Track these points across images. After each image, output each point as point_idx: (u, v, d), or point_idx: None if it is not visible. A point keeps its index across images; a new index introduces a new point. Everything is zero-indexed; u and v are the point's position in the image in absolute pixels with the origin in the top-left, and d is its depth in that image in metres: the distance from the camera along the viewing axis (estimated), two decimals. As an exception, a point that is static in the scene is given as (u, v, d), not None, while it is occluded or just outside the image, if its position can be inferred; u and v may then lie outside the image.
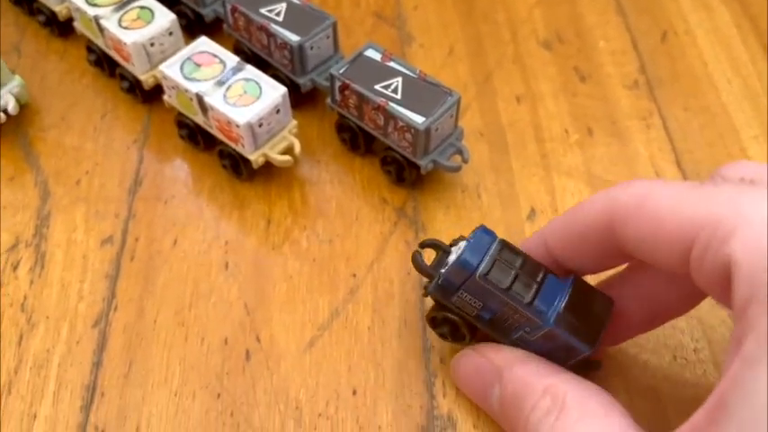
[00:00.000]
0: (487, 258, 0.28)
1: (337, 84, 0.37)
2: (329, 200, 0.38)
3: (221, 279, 0.35)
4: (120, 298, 0.35)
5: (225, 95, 0.36)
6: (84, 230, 0.37)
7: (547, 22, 0.48)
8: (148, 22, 0.40)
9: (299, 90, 0.40)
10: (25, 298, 0.35)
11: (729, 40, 0.46)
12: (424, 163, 0.36)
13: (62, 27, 0.45)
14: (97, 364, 0.33)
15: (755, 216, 0.21)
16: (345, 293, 0.35)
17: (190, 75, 0.37)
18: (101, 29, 0.40)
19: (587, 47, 0.46)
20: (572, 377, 0.28)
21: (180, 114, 0.39)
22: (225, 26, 0.43)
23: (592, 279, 0.30)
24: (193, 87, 0.37)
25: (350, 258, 0.36)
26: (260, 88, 0.37)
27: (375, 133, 0.38)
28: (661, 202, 0.24)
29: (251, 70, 0.37)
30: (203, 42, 0.39)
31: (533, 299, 0.28)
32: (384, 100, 0.36)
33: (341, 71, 0.37)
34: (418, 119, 0.35)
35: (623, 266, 0.30)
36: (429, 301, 0.32)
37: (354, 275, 0.36)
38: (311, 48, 0.39)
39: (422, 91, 0.36)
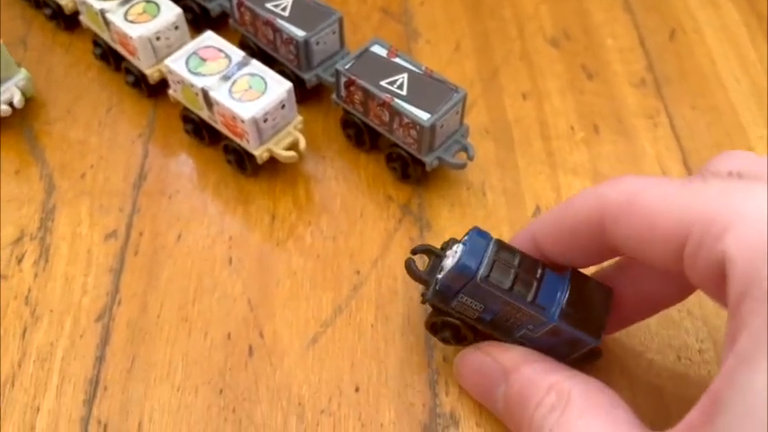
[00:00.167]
0: (486, 260, 0.28)
1: (343, 79, 0.37)
2: (334, 196, 0.38)
3: (225, 274, 0.35)
4: (123, 292, 0.35)
5: (230, 90, 0.36)
6: (88, 224, 0.37)
7: (554, 19, 0.47)
8: (154, 16, 0.39)
9: (305, 85, 0.40)
10: (29, 291, 0.35)
11: (737, 39, 0.46)
12: (429, 160, 0.36)
13: (68, 20, 0.45)
14: (100, 359, 0.33)
15: (748, 212, 0.21)
16: (349, 290, 0.35)
17: (195, 69, 0.37)
18: (107, 23, 0.40)
19: (594, 44, 0.46)
20: (576, 374, 0.28)
21: (185, 109, 0.39)
22: (231, 21, 0.42)
23: (587, 270, 0.30)
24: (199, 82, 0.37)
25: (354, 255, 0.36)
26: (265, 83, 0.36)
27: (380, 129, 0.38)
28: (651, 199, 0.24)
29: (256, 65, 0.37)
30: (209, 37, 0.39)
31: (535, 296, 0.28)
32: (389, 96, 0.36)
33: (346, 67, 0.37)
34: (424, 115, 0.35)
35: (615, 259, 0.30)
36: (428, 307, 0.32)
37: (358, 272, 0.35)
38: (317, 43, 0.39)
39: (427, 87, 0.36)
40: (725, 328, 0.22)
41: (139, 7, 0.40)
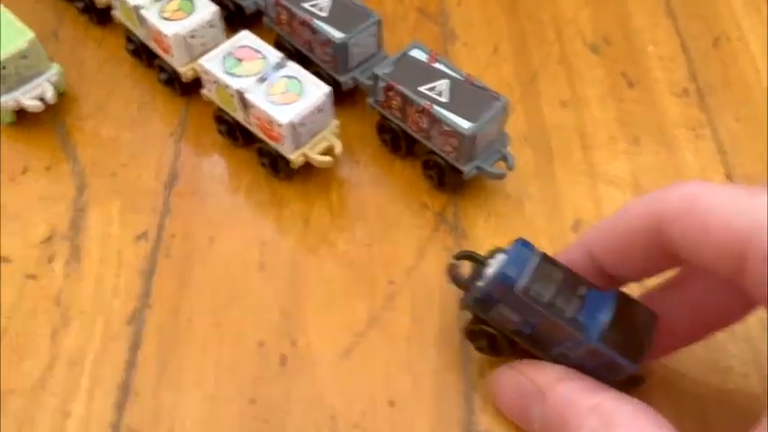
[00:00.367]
0: (527, 272, 0.27)
1: (381, 84, 0.36)
2: (368, 202, 0.38)
3: (257, 280, 0.35)
4: (154, 295, 0.34)
5: (267, 93, 0.35)
6: (119, 224, 0.37)
7: (594, 24, 0.46)
8: (189, 14, 0.39)
9: (340, 88, 0.39)
10: (60, 292, 0.34)
11: (783, 47, 0.45)
12: (468, 169, 0.35)
13: (100, 14, 0.44)
14: (131, 363, 0.32)
15: None
16: (383, 300, 0.34)
17: (231, 70, 0.37)
18: (141, 19, 0.39)
19: (635, 50, 0.45)
20: (618, 395, 0.27)
21: (219, 110, 0.38)
22: (265, 19, 0.42)
23: (633, 291, 0.29)
24: (235, 83, 0.36)
25: (388, 263, 0.35)
26: (302, 86, 0.36)
27: (418, 136, 0.37)
28: (714, 202, 0.23)
29: (293, 67, 0.37)
30: (245, 36, 0.38)
31: (575, 314, 0.27)
32: (429, 103, 0.35)
33: (386, 71, 0.36)
34: (464, 124, 0.34)
35: (665, 279, 0.29)
36: (467, 313, 0.31)
37: (392, 282, 0.35)
38: (355, 45, 0.38)
39: (468, 94, 0.35)
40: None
41: (174, 4, 0.39)
